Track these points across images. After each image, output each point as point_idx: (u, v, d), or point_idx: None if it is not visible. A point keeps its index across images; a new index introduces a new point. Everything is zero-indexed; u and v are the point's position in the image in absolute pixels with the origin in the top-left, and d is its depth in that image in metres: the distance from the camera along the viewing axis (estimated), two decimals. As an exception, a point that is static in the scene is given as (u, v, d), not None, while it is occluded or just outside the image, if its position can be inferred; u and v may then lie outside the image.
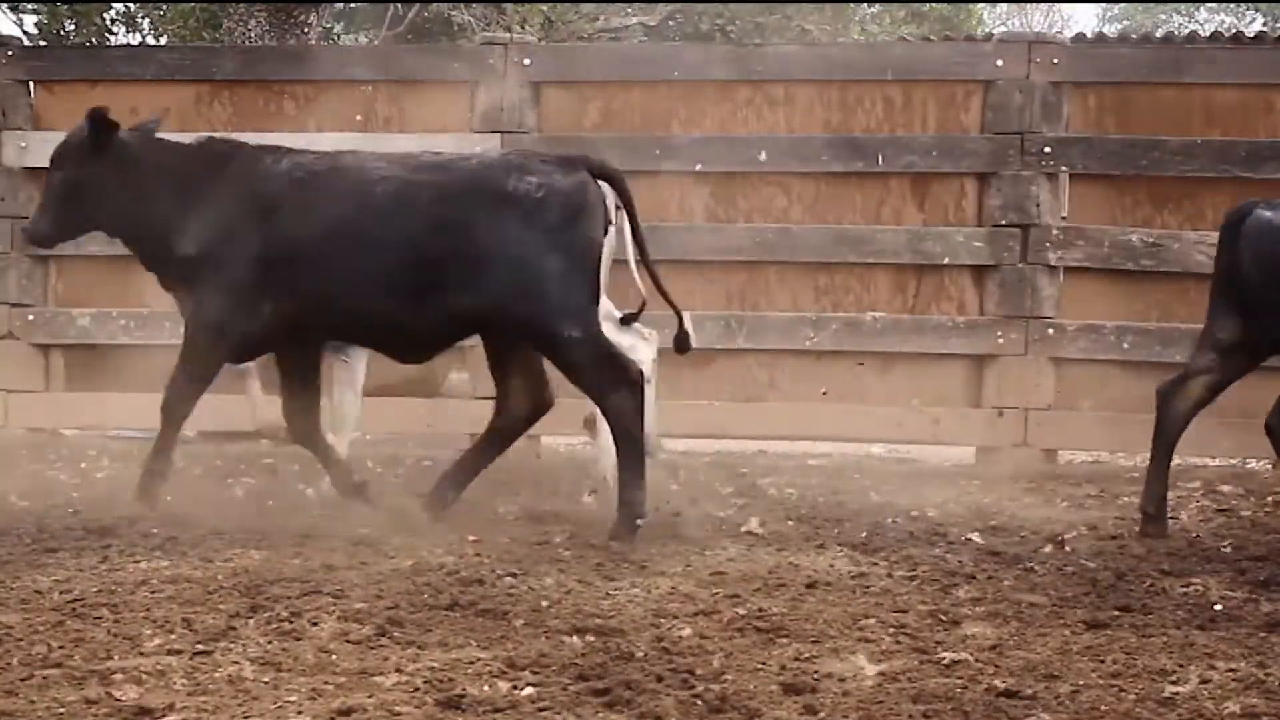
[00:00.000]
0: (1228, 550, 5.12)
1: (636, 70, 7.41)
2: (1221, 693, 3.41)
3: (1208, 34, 17.98)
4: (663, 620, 4.00)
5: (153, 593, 4.23)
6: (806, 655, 3.68)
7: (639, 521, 5.06)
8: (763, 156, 7.24)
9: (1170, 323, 7.05)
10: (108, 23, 18.69)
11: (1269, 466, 7.16)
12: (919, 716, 3.23)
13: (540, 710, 3.24)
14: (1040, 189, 7.08)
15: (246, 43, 10.78)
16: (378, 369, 7.49)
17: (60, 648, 3.65)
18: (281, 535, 5.05)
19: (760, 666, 3.58)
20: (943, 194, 7.22)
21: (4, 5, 18.13)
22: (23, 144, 7.55)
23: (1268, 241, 5.23)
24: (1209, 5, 26.26)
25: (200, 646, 3.67)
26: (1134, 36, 17.33)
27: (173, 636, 3.76)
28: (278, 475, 6.44)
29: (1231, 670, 3.58)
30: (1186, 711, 3.29)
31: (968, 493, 6.20)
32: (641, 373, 5.25)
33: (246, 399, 6.74)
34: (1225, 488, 6.38)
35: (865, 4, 17.35)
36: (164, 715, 3.20)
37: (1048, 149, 7.06)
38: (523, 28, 14.79)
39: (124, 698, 3.28)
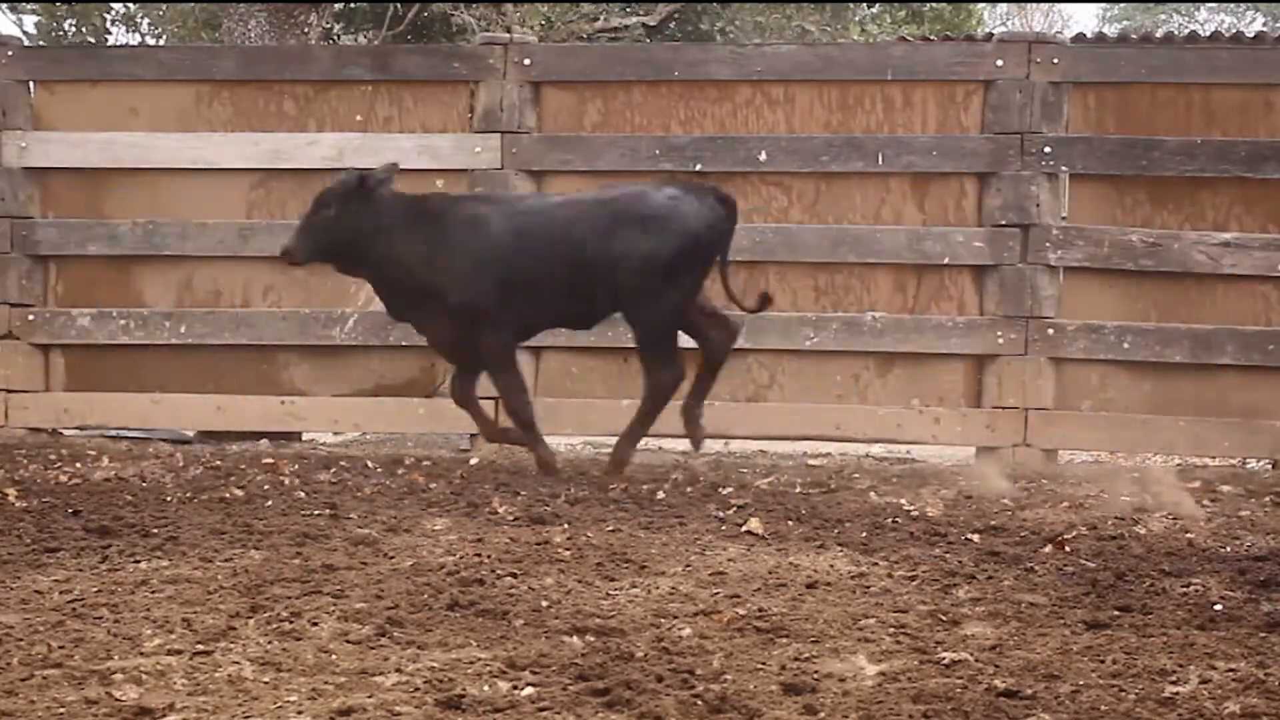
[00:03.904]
0: (1228, 550, 5.12)
1: (636, 70, 7.41)
2: (1221, 693, 3.41)
3: (1208, 34, 17.98)
4: (663, 620, 4.00)
5: (153, 593, 4.23)
6: (806, 655, 3.68)
7: None
8: (763, 156, 7.24)
9: (1170, 323, 7.05)
10: (107, 23, 18.69)
11: (1269, 466, 7.17)
12: (919, 716, 3.22)
13: (540, 710, 3.24)
14: (1040, 189, 7.09)
15: (246, 43, 10.77)
16: (377, 369, 7.52)
17: (60, 648, 3.65)
18: (281, 535, 5.05)
19: (760, 666, 3.58)
20: (943, 194, 7.22)
21: (4, 5, 18.12)
22: (23, 144, 7.56)
23: None
24: (1209, 5, 26.27)
25: (200, 646, 3.67)
26: (1134, 36, 17.31)
27: (173, 636, 3.76)
28: (278, 475, 6.44)
29: (1231, 670, 3.58)
30: (1186, 711, 3.29)
31: (968, 493, 6.20)
32: None
33: None
34: (1225, 488, 6.38)
35: (865, 4, 17.33)
36: (164, 715, 3.19)
37: (1048, 149, 7.07)
38: (523, 27, 14.78)
39: (124, 698, 3.28)
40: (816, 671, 3.54)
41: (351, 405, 7.50)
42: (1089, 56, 7.52)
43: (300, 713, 3.21)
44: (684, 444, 7.51)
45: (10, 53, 7.62)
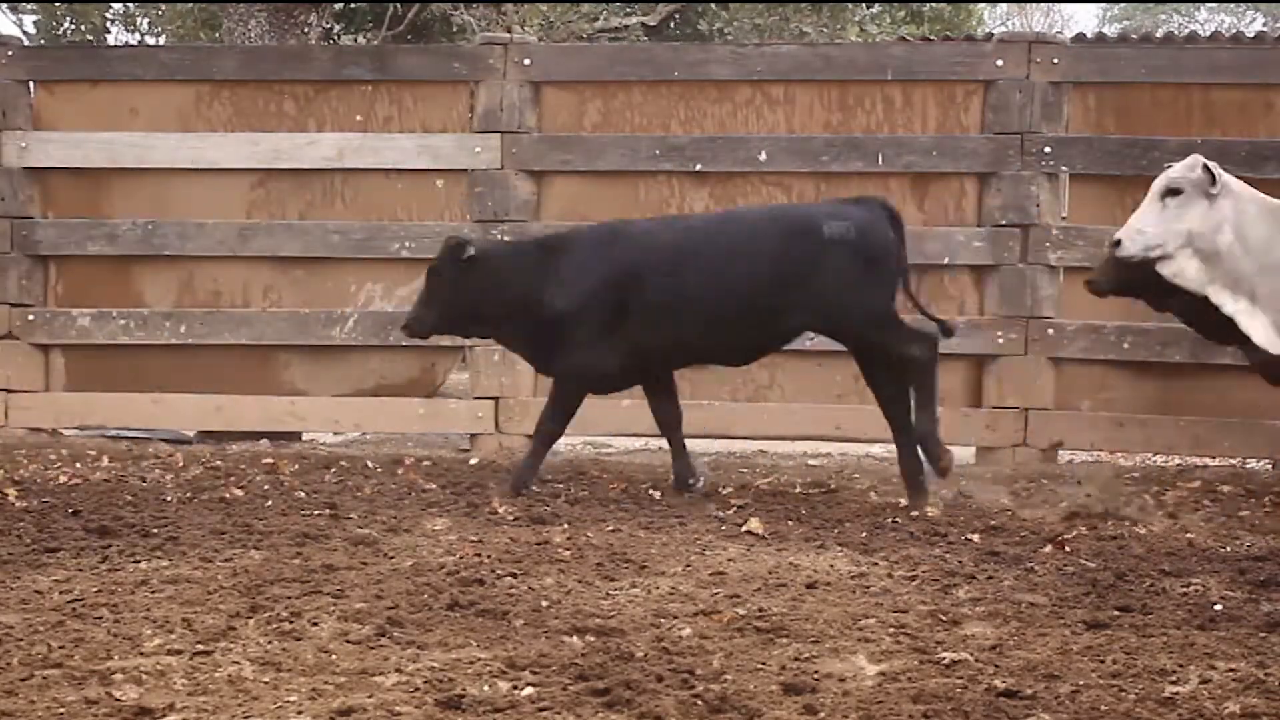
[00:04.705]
0: (1228, 550, 5.12)
1: (636, 70, 7.41)
2: (1221, 693, 3.41)
3: (1208, 34, 17.98)
4: (663, 620, 4.00)
5: (153, 593, 4.23)
6: (806, 655, 3.68)
7: None
8: (763, 156, 7.24)
9: (1170, 323, 7.04)
10: (107, 23, 18.68)
11: (1269, 466, 7.17)
12: (919, 716, 3.23)
13: (540, 710, 3.24)
14: (1040, 189, 7.09)
15: (246, 43, 10.77)
16: (377, 368, 7.52)
17: (60, 648, 3.65)
18: (281, 535, 5.05)
19: (760, 666, 3.58)
20: (943, 194, 7.22)
21: (4, 5, 18.12)
22: (23, 144, 7.56)
23: None
24: (1209, 5, 26.28)
25: (200, 646, 3.67)
26: (1134, 36, 17.32)
27: (173, 636, 3.76)
28: (278, 475, 6.44)
29: (1231, 670, 3.58)
30: (1186, 711, 3.29)
31: (968, 493, 6.20)
32: None
33: None
34: (1225, 488, 6.38)
35: (865, 4, 17.33)
36: (164, 715, 3.20)
37: (1048, 149, 7.07)
38: (523, 28, 14.79)
39: (124, 698, 3.28)
40: (816, 671, 3.54)
41: (351, 405, 7.50)
42: (1089, 56, 7.52)
43: (300, 713, 3.21)
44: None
45: (10, 53, 7.62)
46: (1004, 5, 25.49)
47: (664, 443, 7.50)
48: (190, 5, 16.33)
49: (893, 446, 6.90)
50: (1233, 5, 25.07)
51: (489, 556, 4.74)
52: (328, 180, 7.52)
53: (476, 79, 7.42)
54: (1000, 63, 7.14)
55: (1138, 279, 5.81)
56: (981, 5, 20.76)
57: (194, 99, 7.57)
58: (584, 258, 5.93)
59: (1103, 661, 3.67)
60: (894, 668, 3.58)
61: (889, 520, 5.56)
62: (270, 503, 5.76)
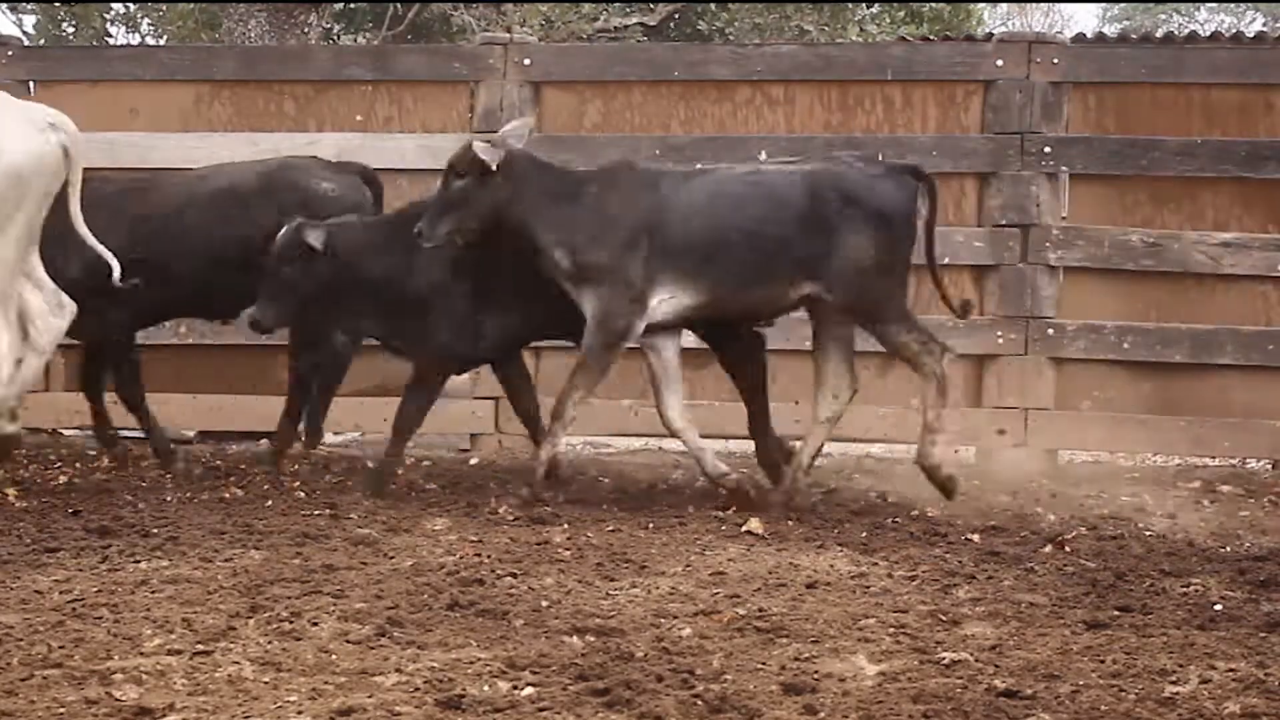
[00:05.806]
0: (1228, 550, 5.12)
1: (636, 70, 7.41)
2: (1221, 693, 3.41)
3: (1208, 34, 17.96)
4: (663, 620, 4.00)
5: (153, 593, 4.23)
6: (806, 655, 3.68)
7: None
8: (762, 156, 7.23)
9: (1170, 323, 7.05)
10: (107, 23, 18.68)
11: (1269, 466, 7.17)
12: (919, 716, 3.23)
13: (540, 710, 3.24)
14: (1040, 189, 7.09)
15: (246, 43, 10.78)
16: (377, 368, 7.50)
17: (60, 648, 3.65)
18: (281, 535, 5.05)
19: (760, 666, 3.58)
20: (943, 194, 7.18)
21: (4, 5, 18.11)
22: (23, 144, 7.54)
23: None
24: (1209, 5, 26.25)
25: (200, 646, 3.67)
26: (1134, 36, 17.30)
27: (173, 636, 3.76)
28: (278, 475, 6.43)
29: (1231, 670, 3.58)
30: (1186, 711, 3.29)
31: (968, 493, 6.21)
32: None
33: None
34: (1225, 488, 6.39)
35: (864, 4, 17.32)
36: (164, 715, 3.20)
37: (1048, 149, 7.07)
38: (523, 27, 14.79)
39: (124, 698, 3.28)
40: (816, 671, 3.55)
41: (351, 405, 7.49)
42: (1089, 56, 7.52)
43: (300, 713, 3.21)
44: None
45: (10, 53, 7.62)
46: (1004, 5, 25.46)
47: (664, 443, 7.53)
48: (190, 6, 16.34)
49: (893, 447, 6.90)
50: (1233, 5, 25.05)
51: (489, 556, 4.74)
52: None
53: (476, 79, 7.42)
54: (1000, 63, 7.14)
55: None
56: (981, 5, 20.75)
57: (194, 99, 7.57)
58: None
59: (1103, 661, 3.67)
60: (894, 668, 3.58)
61: (889, 520, 5.57)
62: (270, 503, 5.76)
